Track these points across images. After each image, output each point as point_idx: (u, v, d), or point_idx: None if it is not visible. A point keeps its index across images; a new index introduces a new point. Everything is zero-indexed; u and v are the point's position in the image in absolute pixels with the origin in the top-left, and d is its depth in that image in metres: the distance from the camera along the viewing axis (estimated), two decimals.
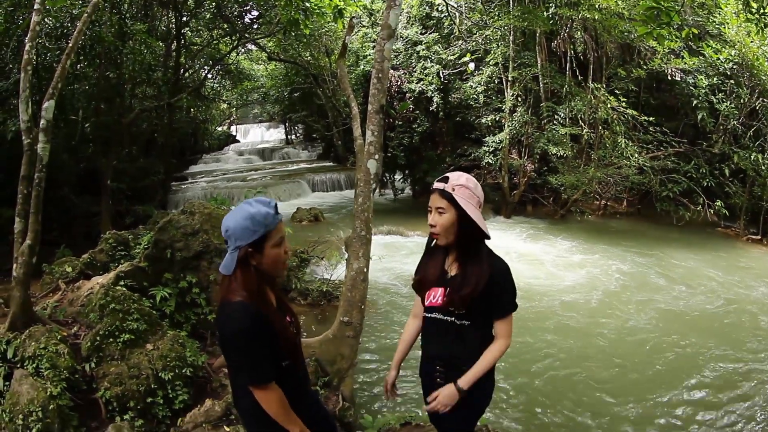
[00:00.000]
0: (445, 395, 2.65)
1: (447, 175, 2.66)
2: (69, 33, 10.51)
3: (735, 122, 13.54)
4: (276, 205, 2.35)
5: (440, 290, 2.73)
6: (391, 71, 13.76)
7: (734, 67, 13.35)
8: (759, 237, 13.58)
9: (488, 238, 2.67)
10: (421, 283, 2.85)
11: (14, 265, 5.21)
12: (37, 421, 3.94)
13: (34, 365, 4.42)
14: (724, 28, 12.94)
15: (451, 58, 15.98)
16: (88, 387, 4.64)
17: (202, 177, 23.13)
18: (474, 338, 2.70)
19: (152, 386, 4.68)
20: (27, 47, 5.68)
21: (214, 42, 18.65)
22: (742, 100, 13.42)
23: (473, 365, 2.67)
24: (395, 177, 18.13)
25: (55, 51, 10.99)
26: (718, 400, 6.34)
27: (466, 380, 2.64)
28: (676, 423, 5.92)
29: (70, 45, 5.91)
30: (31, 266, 5.22)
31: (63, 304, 6.14)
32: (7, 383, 4.41)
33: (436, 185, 2.64)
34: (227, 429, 4.47)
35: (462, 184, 2.61)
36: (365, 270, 5.62)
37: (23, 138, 5.44)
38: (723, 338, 7.91)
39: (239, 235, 2.24)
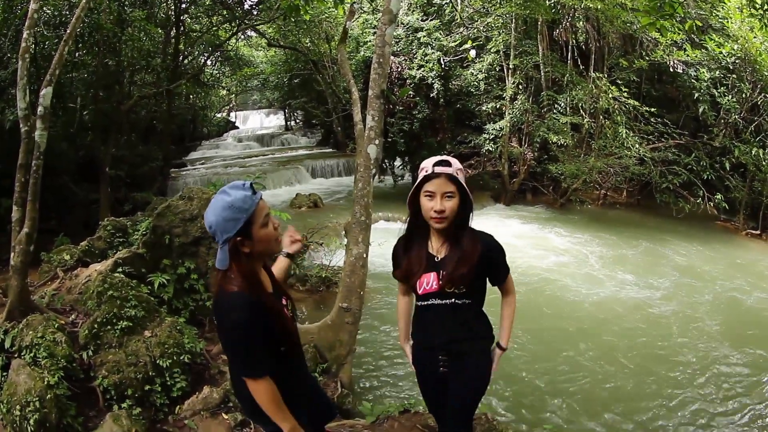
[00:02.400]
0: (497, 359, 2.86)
1: (445, 158, 2.59)
2: (67, 21, 10.44)
3: (736, 116, 13.49)
4: (251, 185, 2.27)
5: (432, 275, 2.67)
6: (392, 57, 13.67)
7: (737, 61, 13.28)
8: (758, 232, 13.56)
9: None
10: (407, 274, 2.77)
11: (12, 254, 5.20)
12: (35, 411, 3.93)
13: (32, 354, 4.40)
14: (727, 22, 12.83)
15: (452, 45, 15.88)
16: (86, 375, 4.64)
17: (201, 163, 23.07)
18: (472, 316, 2.72)
19: (150, 374, 4.68)
20: (25, 35, 5.64)
21: (214, 28, 18.52)
22: (743, 95, 13.36)
23: (503, 325, 2.88)
24: (395, 163, 18.06)
25: (53, 39, 10.95)
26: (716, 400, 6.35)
27: (505, 340, 2.87)
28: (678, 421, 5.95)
29: (68, 32, 5.88)
30: (28, 254, 5.20)
31: (61, 292, 6.13)
32: (4, 373, 4.40)
33: (442, 169, 2.54)
34: (225, 416, 4.49)
35: (461, 168, 2.60)
36: (365, 256, 5.61)
37: (21, 126, 5.41)
38: (724, 338, 7.85)
39: (223, 227, 2.17)
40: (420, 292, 2.73)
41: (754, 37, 12.37)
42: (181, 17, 16.70)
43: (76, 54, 12.41)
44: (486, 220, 13.05)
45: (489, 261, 2.66)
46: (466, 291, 2.64)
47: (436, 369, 2.79)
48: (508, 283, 2.84)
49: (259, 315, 2.22)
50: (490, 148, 15.73)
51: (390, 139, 15.05)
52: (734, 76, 13.44)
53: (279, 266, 2.79)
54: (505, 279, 2.81)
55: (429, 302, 2.73)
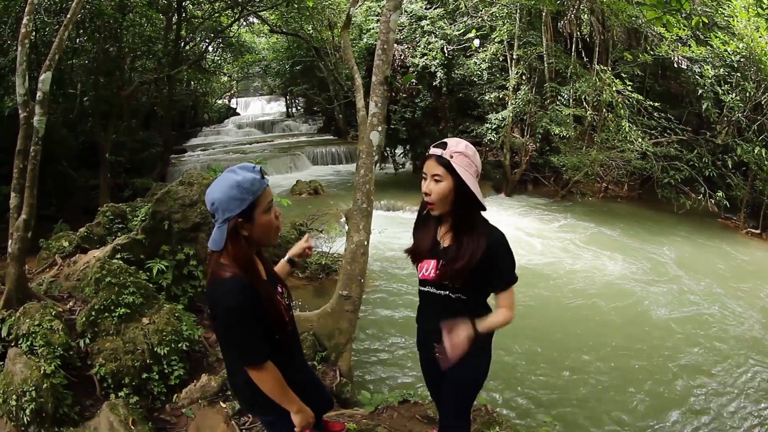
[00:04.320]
0: (464, 329, 2.48)
1: (445, 140, 2.50)
2: (68, 7, 10.37)
3: (740, 115, 13.41)
4: (261, 169, 2.23)
5: (433, 262, 2.62)
6: (395, 45, 13.61)
7: (741, 60, 13.19)
8: (759, 231, 13.53)
9: (484, 209, 2.54)
10: (414, 254, 2.74)
11: (9, 241, 5.17)
12: (31, 401, 3.90)
13: (29, 343, 4.36)
14: (733, 20, 12.72)
15: (456, 33, 15.82)
16: (83, 363, 4.60)
17: (201, 150, 23.11)
18: (466, 313, 2.57)
19: (148, 361, 4.63)
20: (24, 21, 5.59)
21: (216, 14, 18.37)
22: (747, 94, 13.26)
23: (490, 317, 2.60)
24: (396, 151, 18.05)
25: (53, 25, 10.89)
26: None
27: (484, 325, 2.54)
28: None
29: (68, 17, 5.82)
30: (26, 241, 5.16)
31: (59, 279, 6.09)
32: (1, 363, 4.36)
33: (433, 151, 2.48)
34: (223, 404, 4.46)
35: (461, 152, 2.45)
36: (365, 243, 5.54)
37: (20, 112, 5.35)
38: (741, 345, 7.67)
39: (227, 206, 2.12)
40: (420, 276, 2.71)
41: (760, 37, 12.29)
42: (183, 3, 16.56)
43: (77, 40, 12.37)
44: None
45: (491, 260, 2.50)
46: (460, 287, 2.56)
47: (432, 355, 2.76)
48: (507, 297, 2.58)
49: (253, 300, 2.18)
50: (492, 138, 15.72)
51: (392, 127, 15.03)
52: (738, 74, 13.37)
53: (278, 270, 2.75)
54: (504, 288, 2.59)
55: (426, 289, 2.70)
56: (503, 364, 6.51)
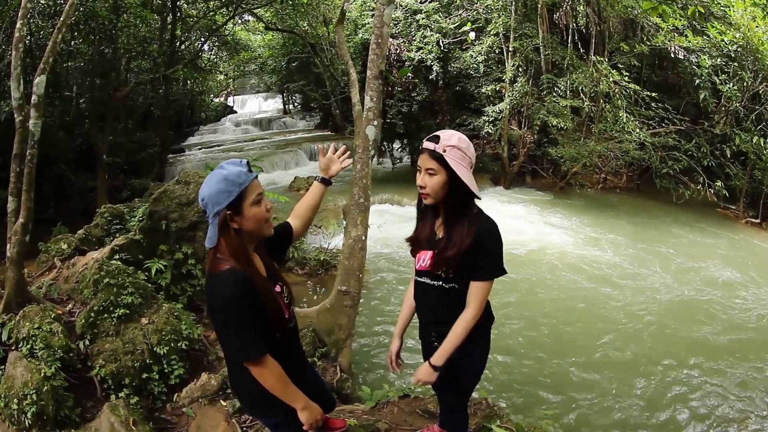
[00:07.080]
0: (423, 374, 2.63)
1: (438, 133, 2.47)
2: (62, 11, 10.40)
3: (737, 104, 13.40)
4: (248, 162, 2.25)
5: (429, 253, 2.62)
6: (390, 39, 13.58)
7: (738, 49, 13.18)
8: (758, 221, 13.53)
9: (478, 198, 2.54)
10: (413, 244, 2.75)
11: (8, 245, 5.17)
12: (32, 404, 3.92)
13: (29, 346, 4.38)
14: (730, 10, 12.72)
15: (451, 27, 15.79)
16: (83, 365, 4.61)
17: (199, 149, 23.06)
18: (462, 303, 2.59)
19: (147, 362, 4.65)
20: (18, 25, 5.60)
21: (211, 13, 18.33)
22: (745, 83, 13.26)
23: (446, 338, 2.60)
24: (393, 146, 18.02)
25: (48, 29, 10.90)
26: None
27: (437, 357, 2.60)
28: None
29: (62, 19, 5.83)
30: (24, 245, 5.17)
31: (58, 281, 6.10)
32: (1, 367, 4.39)
33: (426, 145, 2.46)
34: (224, 403, 4.47)
35: (453, 145, 2.43)
36: (363, 238, 5.54)
37: (15, 116, 5.37)
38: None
39: (216, 199, 2.15)
40: (417, 267, 2.72)
41: (756, 27, 12.29)
42: (177, 2, 16.53)
43: (72, 42, 12.36)
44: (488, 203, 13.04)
45: (479, 248, 2.49)
46: (453, 276, 2.56)
47: (431, 345, 2.77)
48: (479, 290, 2.55)
49: (252, 292, 2.17)
50: (490, 131, 15.66)
51: (389, 121, 15.02)
52: (736, 64, 13.35)
53: (313, 193, 2.84)
54: (481, 278, 2.55)
55: (422, 279, 2.71)
56: (504, 358, 6.52)
